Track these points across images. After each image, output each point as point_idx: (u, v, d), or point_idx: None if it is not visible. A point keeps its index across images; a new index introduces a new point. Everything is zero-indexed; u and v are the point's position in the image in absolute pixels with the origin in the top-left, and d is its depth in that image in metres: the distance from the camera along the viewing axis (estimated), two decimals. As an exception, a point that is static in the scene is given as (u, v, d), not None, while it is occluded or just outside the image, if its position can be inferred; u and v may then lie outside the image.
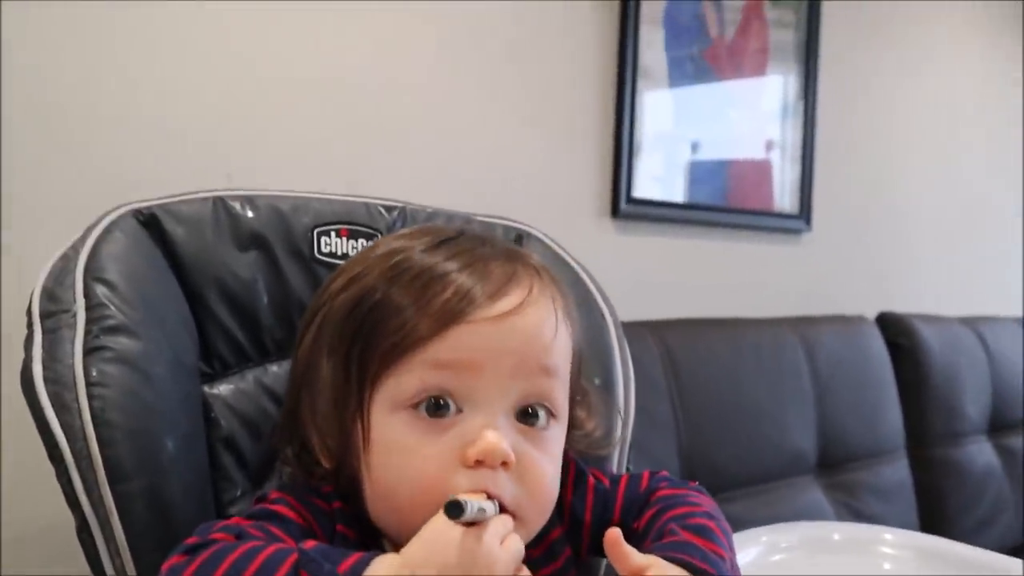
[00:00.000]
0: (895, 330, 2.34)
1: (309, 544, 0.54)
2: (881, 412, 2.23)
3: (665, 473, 0.79)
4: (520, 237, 1.02)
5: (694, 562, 0.61)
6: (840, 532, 0.87)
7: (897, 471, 2.22)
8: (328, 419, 0.69)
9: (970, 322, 2.56)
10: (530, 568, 0.72)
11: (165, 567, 0.56)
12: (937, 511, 2.23)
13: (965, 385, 2.41)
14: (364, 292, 0.68)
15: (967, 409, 2.40)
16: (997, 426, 2.52)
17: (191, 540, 0.59)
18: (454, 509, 0.55)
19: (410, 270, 0.67)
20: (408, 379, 0.65)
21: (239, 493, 0.83)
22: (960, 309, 2.62)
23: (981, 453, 2.42)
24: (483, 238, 0.73)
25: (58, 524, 0.80)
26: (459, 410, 0.65)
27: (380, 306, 0.66)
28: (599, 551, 0.63)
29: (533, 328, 0.67)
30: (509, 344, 0.65)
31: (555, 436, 0.70)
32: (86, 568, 0.73)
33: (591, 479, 0.78)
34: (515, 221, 1.05)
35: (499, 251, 0.71)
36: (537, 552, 0.72)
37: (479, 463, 0.64)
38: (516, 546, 0.58)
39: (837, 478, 2.04)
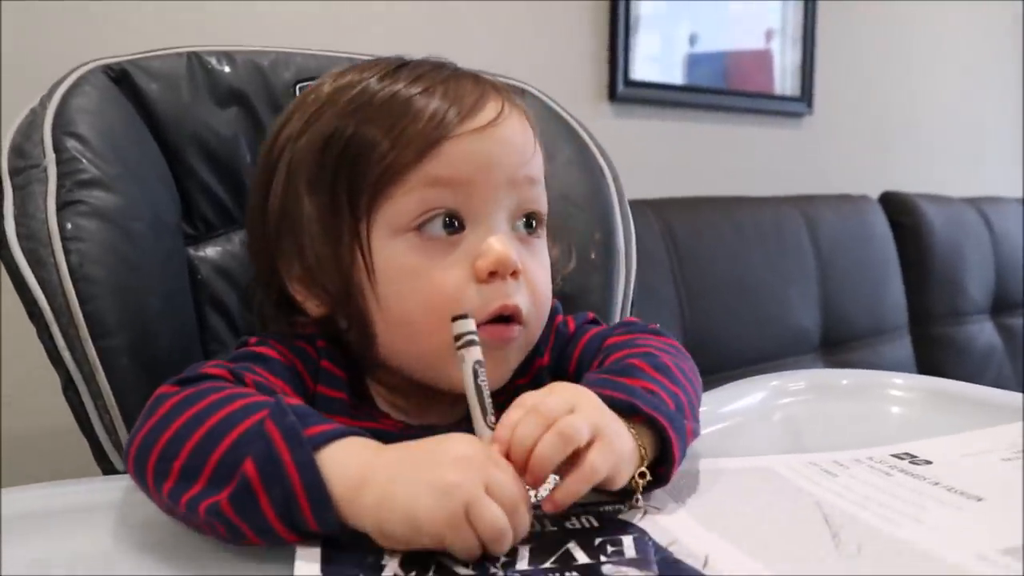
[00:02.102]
0: (898, 209, 2.31)
1: (293, 400, 0.51)
2: (884, 291, 2.21)
3: (632, 319, 0.76)
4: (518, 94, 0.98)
5: (601, 392, 0.55)
6: (848, 378, 0.85)
7: (899, 349, 2.21)
8: (322, 259, 0.66)
9: (975, 202, 2.53)
10: (512, 395, 0.70)
11: (156, 392, 0.54)
12: (938, 389, 2.24)
13: (968, 264, 2.39)
14: (330, 131, 0.64)
15: (970, 288, 2.39)
16: (999, 306, 2.51)
17: (183, 375, 0.57)
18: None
19: (374, 100, 0.64)
20: (406, 201, 0.62)
21: (230, 355, 0.81)
22: (965, 190, 2.59)
23: (983, 332, 2.42)
24: (440, 62, 0.69)
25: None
26: (462, 227, 0.63)
27: (354, 142, 0.63)
28: None
29: (515, 137, 0.66)
30: (496, 155, 0.64)
31: (544, 243, 0.70)
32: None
33: (557, 319, 0.75)
34: (510, 78, 1.00)
35: (462, 72, 0.68)
36: (524, 380, 0.70)
37: (492, 275, 0.62)
38: (508, 492, 0.47)
39: (840, 356, 2.04)
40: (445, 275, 0.63)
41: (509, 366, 0.67)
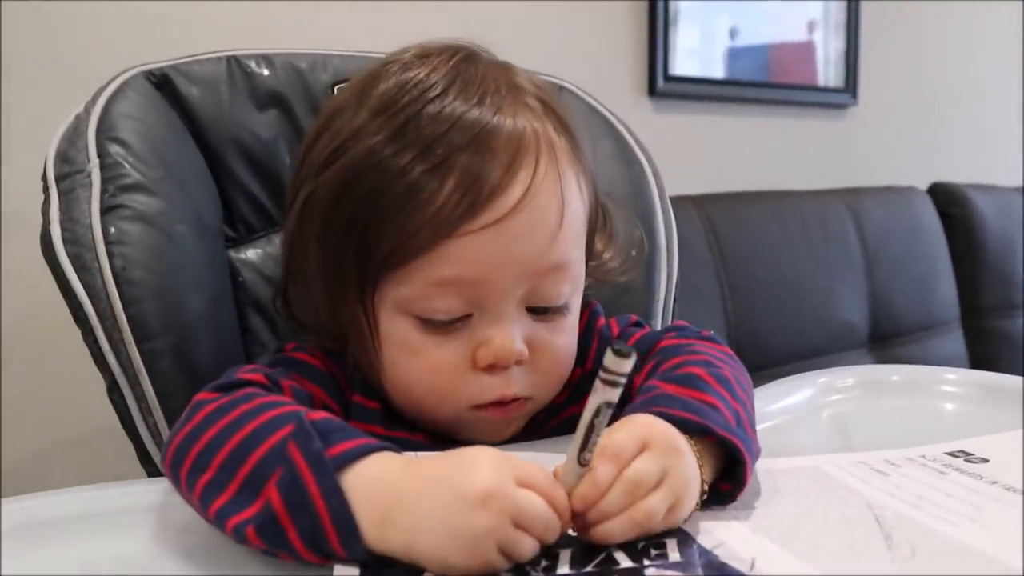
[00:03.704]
0: (947, 200, 2.26)
1: (318, 415, 0.50)
2: (934, 284, 2.17)
3: (682, 323, 0.74)
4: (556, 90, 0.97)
5: (671, 412, 0.53)
6: (899, 374, 0.82)
7: (951, 344, 2.16)
8: (323, 306, 0.66)
9: (1026, 191, 2.46)
10: (553, 411, 0.69)
11: (194, 398, 0.55)
12: (992, 384, 2.18)
13: (1021, 255, 2.33)
14: (354, 174, 0.60)
15: (1022, 279, 2.32)
16: (1054, 297, 2.44)
17: (221, 380, 0.57)
18: None
19: (390, 167, 0.59)
20: (410, 290, 0.61)
21: (272, 357, 0.81)
22: (1016, 179, 2.52)
23: (1038, 325, 2.35)
24: (483, 84, 0.62)
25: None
26: (467, 314, 0.61)
27: (365, 211, 0.60)
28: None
29: (538, 224, 0.60)
30: (512, 252, 0.60)
31: (570, 307, 0.66)
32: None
33: (599, 323, 0.74)
34: (549, 75, 0.99)
35: (503, 112, 0.61)
36: (561, 397, 0.69)
37: (491, 366, 0.61)
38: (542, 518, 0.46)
39: (889, 352, 1.99)
40: (445, 359, 0.62)
41: (514, 428, 0.67)
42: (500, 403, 0.63)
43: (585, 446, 0.46)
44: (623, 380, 0.44)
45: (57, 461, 1.28)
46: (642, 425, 0.51)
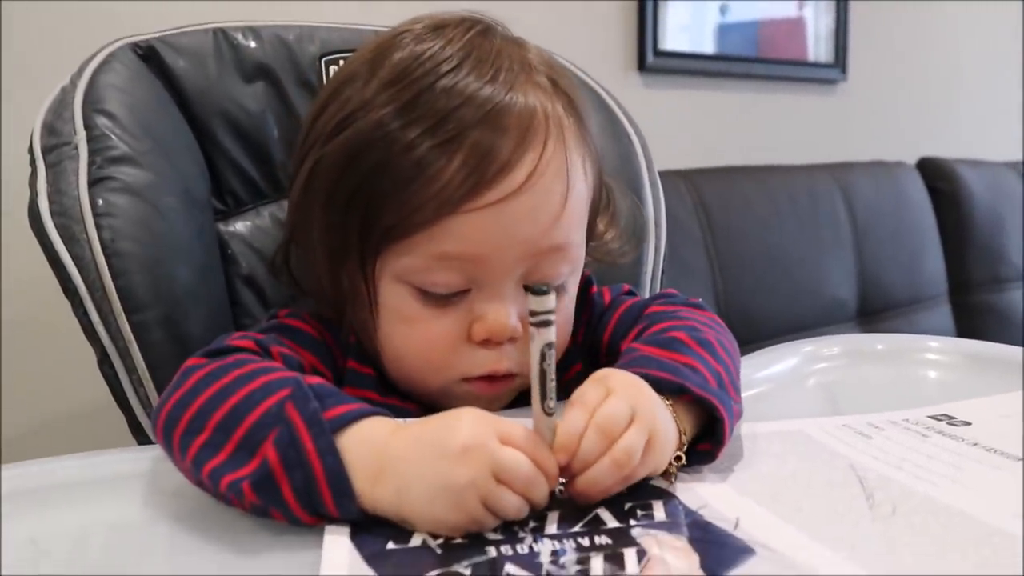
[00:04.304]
0: (936, 175, 2.26)
1: (314, 380, 0.51)
2: (922, 259, 2.18)
3: (671, 291, 0.74)
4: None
5: (647, 372, 0.54)
6: (883, 342, 0.83)
7: (938, 318, 2.18)
8: (324, 273, 0.66)
9: (1015, 166, 2.47)
10: None
11: (185, 364, 0.55)
12: (979, 358, 2.20)
13: (1009, 230, 2.34)
14: (361, 146, 0.60)
15: (1011, 254, 2.34)
16: (1042, 272, 2.45)
17: (211, 346, 0.57)
18: None
19: (398, 139, 0.59)
20: (412, 261, 0.61)
21: (262, 330, 0.81)
22: (1004, 155, 2.53)
23: (1025, 299, 2.37)
24: (497, 60, 0.62)
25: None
26: (466, 289, 0.62)
27: (379, 172, 0.60)
28: (591, 367, 0.59)
29: (542, 205, 0.61)
30: (515, 232, 0.60)
31: (567, 288, 0.67)
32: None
33: (592, 291, 0.75)
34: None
35: (515, 90, 0.61)
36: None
37: (486, 341, 0.62)
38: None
39: (877, 326, 2.01)
40: (441, 330, 0.62)
41: (501, 403, 0.67)
42: (490, 378, 0.64)
43: (544, 394, 0.47)
44: (552, 317, 0.45)
45: (54, 435, 1.28)
46: (603, 376, 0.53)
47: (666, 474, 0.52)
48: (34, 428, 1.28)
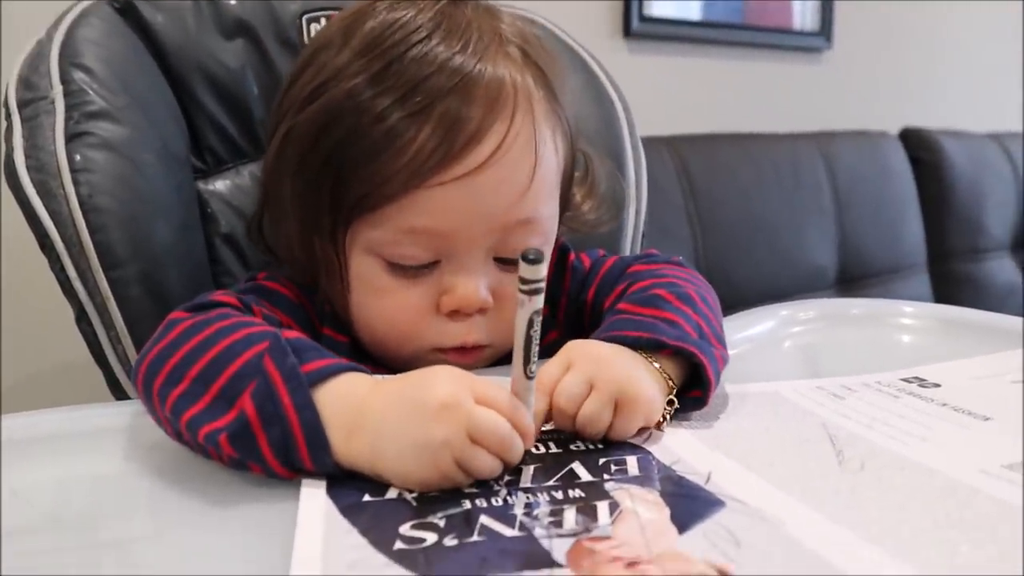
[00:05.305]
0: (918, 145, 2.27)
1: (292, 334, 0.51)
2: (902, 228, 2.19)
3: (653, 251, 0.75)
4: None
5: (624, 334, 0.56)
6: (859, 307, 0.84)
7: (917, 286, 2.20)
8: (296, 242, 0.66)
9: (997, 138, 2.48)
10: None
11: (168, 317, 0.56)
12: (957, 327, 2.22)
13: (989, 201, 2.36)
14: (332, 115, 0.60)
15: (990, 225, 2.36)
16: (1020, 243, 2.48)
17: (195, 301, 0.58)
18: None
19: (369, 108, 0.59)
20: (382, 234, 0.61)
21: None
22: (987, 126, 2.54)
23: (1003, 269, 2.39)
24: (467, 30, 0.62)
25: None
26: (435, 261, 0.63)
27: (350, 142, 0.60)
28: (574, 333, 0.60)
29: (509, 178, 0.61)
30: (482, 205, 0.60)
31: None
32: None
33: (570, 258, 0.75)
34: (519, 8, 0.98)
35: (484, 60, 0.61)
36: None
37: (454, 312, 0.63)
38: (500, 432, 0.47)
39: (857, 294, 2.02)
40: (410, 302, 0.63)
41: (476, 368, 0.67)
42: (461, 349, 0.65)
43: (528, 359, 0.47)
44: (542, 285, 0.45)
45: (34, 391, 1.28)
46: (565, 350, 0.55)
47: (658, 423, 0.54)
48: (12, 384, 1.28)
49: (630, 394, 0.51)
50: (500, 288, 0.64)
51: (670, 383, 0.55)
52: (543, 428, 0.53)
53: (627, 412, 0.52)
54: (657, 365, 0.55)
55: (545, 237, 0.66)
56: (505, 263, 0.64)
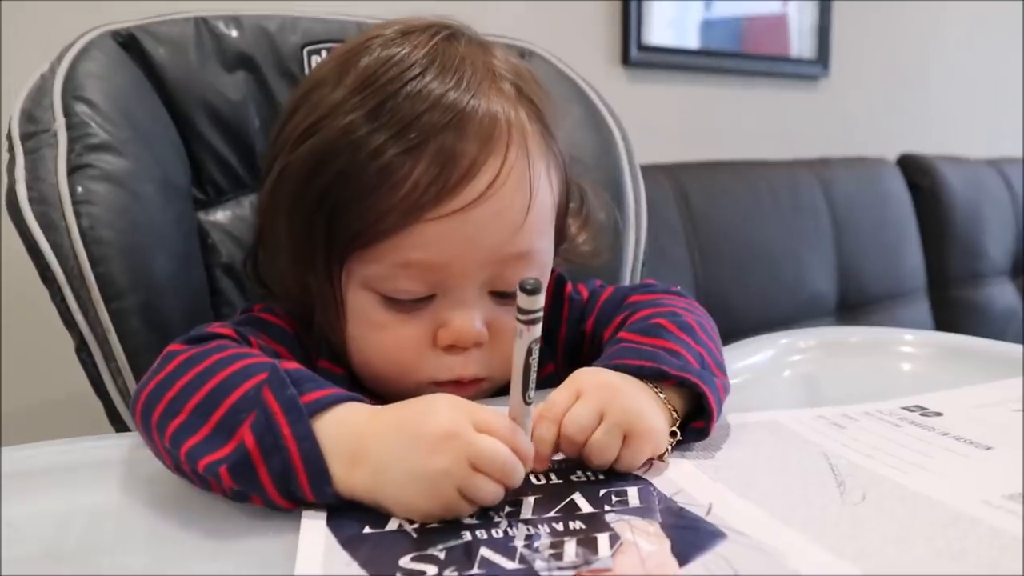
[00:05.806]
0: (916, 171, 2.28)
1: (291, 365, 0.51)
2: (901, 254, 2.20)
3: (650, 281, 0.76)
4: (522, 55, 0.97)
5: (627, 362, 0.56)
6: (858, 335, 0.84)
7: (917, 313, 2.20)
8: (291, 278, 0.66)
9: (995, 163, 2.49)
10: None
11: (166, 349, 0.56)
12: (957, 353, 2.22)
13: (988, 226, 2.36)
14: (327, 152, 0.61)
15: (989, 250, 2.36)
16: (1020, 268, 2.48)
17: (192, 333, 0.58)
18: None
19: (380, 127, 0.59)
20: (377, 269, 0.61)
21: (241, 319, 0.81)
22: (984, 152, 2.55)
23: (1003, 295, 2.39)
24: (461, 67, 0.62)
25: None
26: (431, 295, 0.63)
27: (345, 178, 0.60)
28: (573, 364, 0.60)
29: (503, 213, 0.61)
30: (477, 240, 0.60)
31: None
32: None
33: (567, 289, 0.76)
34: (517, 39, 0.99)
35: (478, 96, 0.61)
36: None
37: (451, 346, 0.63)
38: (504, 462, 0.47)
39: (857, 320, 2.02)
40: (407, 336, 0.63)
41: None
42: (458, 382, 0.65)
43: (527, 386, 0.48)
44: (540, 314, 0.45)
45: (31, 423, 1.28)
46: (574, 379, 0.55)
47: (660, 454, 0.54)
48: (11, 415, 1.27)
49: (640, 427, 0.52)
50: (496, 321, 0.64)
51: (674, 414, 0.55)
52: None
53: (636, 444, 0.52)
54: (663, 396, 0.56)
55: (540, 270, 0.67)
56: (501, 296, 0.64)
